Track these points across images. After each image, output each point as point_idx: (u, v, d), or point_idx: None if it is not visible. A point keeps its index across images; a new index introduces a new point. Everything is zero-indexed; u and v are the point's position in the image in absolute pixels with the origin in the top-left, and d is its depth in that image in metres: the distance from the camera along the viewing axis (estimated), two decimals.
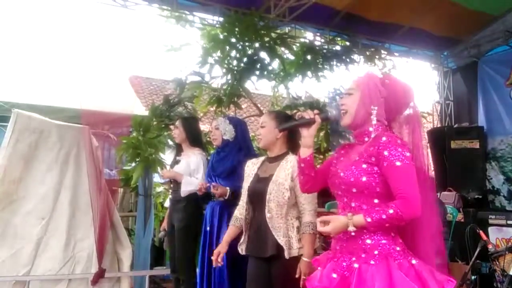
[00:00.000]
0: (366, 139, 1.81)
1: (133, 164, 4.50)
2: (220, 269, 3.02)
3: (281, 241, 2.36)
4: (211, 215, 3.28)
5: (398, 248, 1.72)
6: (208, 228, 3.26)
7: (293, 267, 2.33)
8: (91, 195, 3.80)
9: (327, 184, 1.94)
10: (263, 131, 2.58)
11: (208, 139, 4.95)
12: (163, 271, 5.11)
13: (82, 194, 3.85)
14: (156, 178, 5.06)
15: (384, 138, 1.73)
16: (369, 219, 1.65)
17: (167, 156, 4.54)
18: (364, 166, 1.74)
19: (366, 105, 1.79)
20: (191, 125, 3.81)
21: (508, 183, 6.10)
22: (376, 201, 1.73)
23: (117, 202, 6.30)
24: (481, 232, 3.22)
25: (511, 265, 3.03)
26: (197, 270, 3.30)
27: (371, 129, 1.80)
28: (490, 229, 4.98)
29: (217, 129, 3.31)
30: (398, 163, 1.68)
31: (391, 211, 1.63)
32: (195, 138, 3.82)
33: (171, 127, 3.81)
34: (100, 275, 3.72)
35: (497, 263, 3.16)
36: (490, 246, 3.14)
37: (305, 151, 1.93)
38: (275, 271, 2.38)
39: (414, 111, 1.86)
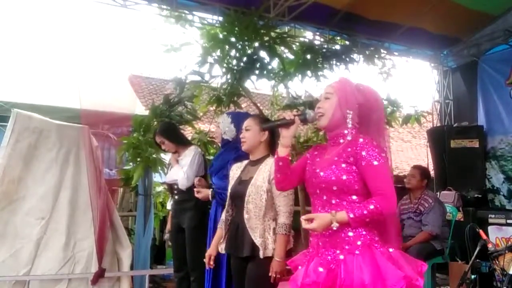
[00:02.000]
0: (341, 140, 1.95)
1: (133, 164, 4.51)
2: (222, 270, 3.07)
3: (257, 241, 2.46)
4: (215, 214, 3.29)
5: (376, 238, 1.86)
6: (211, 233, 3.27)
7: (268, 266, 2.44)
8: (91, 194, 3.81)
9: (300, 182, 2.10)
10: (248, 134, 2.65)
11: (208, 138, 4.97)
12: (163, 270, 5.12)
13: (82, 193, 3.86)
14: (156, 178, 5.06)
15: (361, 140, 1.88)
16: (351, 215, 1.77)
17: (167, 156, 4.55)
18: (344, 165, 1.87)
19: (343, 109, 1.94)
20: (172, 132, 3.78)
21: (508, 182, 6.10)
22: (354, 197, 1.86)
23: (117, 202, 6.31)
24: (480, 231, 3.22)
25: (511, 264, 3.03)
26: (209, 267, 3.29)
27: (346, 131, 1.95)
28: (489, 228, 4.99)
29: (218, 126, 3.33)
30: (375, 162, 1.83)
31: (371, 206, 1.77)
32: (184, 140, 3.83)
33: (157, 140, 3.75)
34: (100, 274, 3.73)
35: (497, 262, 3.16)
36: (490, 245, 3.14)
37: (284, 150, 2.03)
38: (251, 269, 2.50)
39: (380, 116, 2.04)
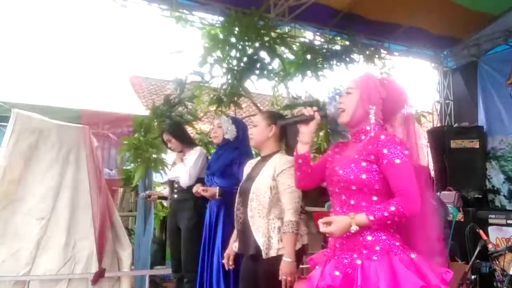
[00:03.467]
0: (363, 137, 1.86)
1: (134, 164, 4.51)
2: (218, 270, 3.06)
3: (260, 241, 2.39)
4: (210, 216, 3.30)
5: (397, 243, 1.75)
6: (207, 232, 3.27)
7: (271, 267, 2.34)
8: (91, 194, 3.81)
9: (322, 181, 1.99)
10: (255, 130, 2.63)
11: (209, 138, 4.97)
12: (163, 270, 5.11)
13: (82, 193, 3.85)
14: (157, 178, 5.07)
15: (382, 137, 1.77)
16: (371, 218, 1.68)
17: (168, 156, 4.55)
18: (364, 164, 1.77)
19: (365, 104, 1.84)
20: (180, 131, 3.82)
21: (508, 183, 6.10)
22: (374, 198, 1.76)
23: (117, 201, 6.31)
24: (481, 231, 3.23)
25: (511, 264, 3.03)
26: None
27: (368, 127, 1.85)
28: (490, 228, 4.98)
29: (220, 127, 3.33)
30: (397, 161, 1.72)
31: (392, 208, 1.66)
32: (190, 140, 3.87)
33: (164, 138, 3.78)
34: (100, 274, 3.72)
35: (497, 262, 3.16)
36: (490, 246, 3.14)
37: (303, 147, 1.96)
38: (258, 269, 2.41)
39: (408, 112, 1.91)
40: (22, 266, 3.61)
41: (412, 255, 1.73)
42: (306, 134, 1.94)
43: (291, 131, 2.52)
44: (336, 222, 1.72)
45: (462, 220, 5.25)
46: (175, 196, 3.69)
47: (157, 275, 5.22)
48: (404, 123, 1.89)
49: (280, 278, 2.29)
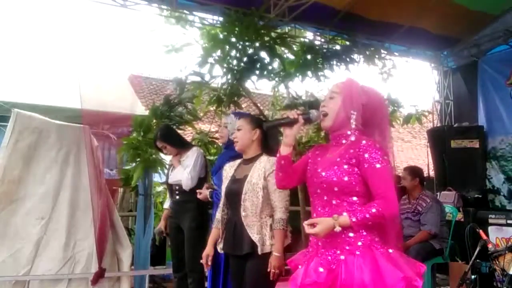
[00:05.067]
0: (344, 141, 1.95)
1: (133, 164, 4.50)
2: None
3: (255, 238, 2.51)
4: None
5: (376, 239, 1.84)
6: None
7: (267, 262, 2.47)
8: (91, 194, 3.81)
9: (302, 181, 2.09)
10: (239, 134, 2.69)
11: (209, 139, 4.97)
12: (163, 270, 5.12)
13: (82, 193, 3.86)
14: (156, 178, 5.06)
15: (364, 142, 1.87)
16: (354, 219, 1.77)
17: (167, 157, 4.54)
18: (345, 166, 1.86)
19: (347, 109, 1.93)
20: (172, 136, 3.80)
21: (508, 183, 6.09)
22: (354, 198, 1.86)
23: (117, 201, 6.31)
24: (481, 231, 3.22)
25: (511, 264, 3.03)
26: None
27: (349, 132, 1.94)
28: (490, 228, 4.98)
29: (226, 127, 3.31)
30: (378, 165, 1.82)
31: (373, 210, 1.77)
32: (183, 143, 3.85)
33: (158, 145, 3.77)
34: (100, 274, 3.72)
35: (497, 262, 3.16)
36: (490, 246, 3.14)
37: (286, 149, 2.02)
38: (250, 266, 2.53)
39: (383, 118, 2.04)
40: (22, 266, 3.62)
41: (390, 250, 1.84)
42: (289, 137, 1.99)
43: (272, 135, 2.68)
44: (320, 224, 1.79)
45: (462, 220, 5.25)
46: (177, 197, 3.68)
47: (157, 275, 5.23)
48: (380, 129, 1.98)
49: (268, 270, 2.44)
